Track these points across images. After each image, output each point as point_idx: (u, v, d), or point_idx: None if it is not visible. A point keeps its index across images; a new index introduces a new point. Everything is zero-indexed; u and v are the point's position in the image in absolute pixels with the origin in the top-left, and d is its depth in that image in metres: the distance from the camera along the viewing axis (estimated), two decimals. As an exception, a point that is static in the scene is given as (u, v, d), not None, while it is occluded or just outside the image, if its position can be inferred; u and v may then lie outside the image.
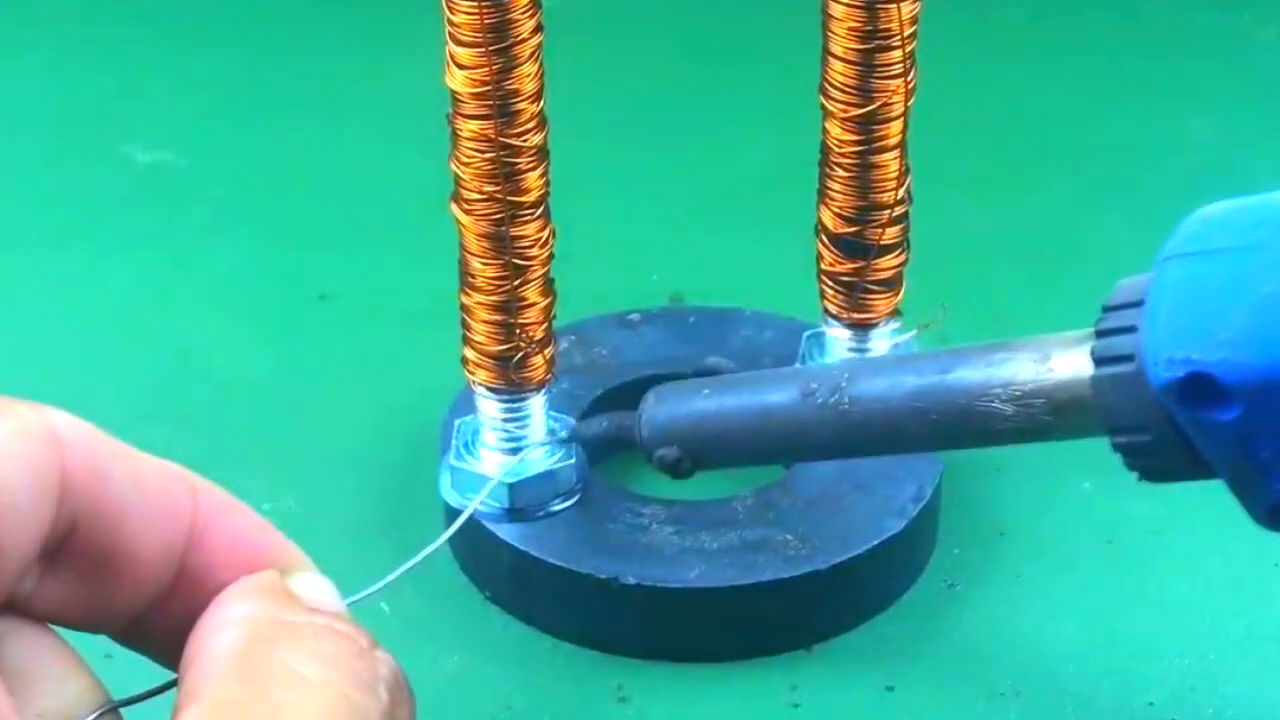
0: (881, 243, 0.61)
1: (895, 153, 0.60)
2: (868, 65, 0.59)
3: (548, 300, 0.59)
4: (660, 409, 0.55)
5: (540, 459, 0.60)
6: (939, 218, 0.80)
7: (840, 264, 0.62)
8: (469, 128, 0.56)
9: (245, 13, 1.00)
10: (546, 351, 0.60)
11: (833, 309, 0.63)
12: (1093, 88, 0.92)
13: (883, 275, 0.62)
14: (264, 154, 0.88)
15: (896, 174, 0.60)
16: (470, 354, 0.60)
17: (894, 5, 0.57)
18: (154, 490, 0.40)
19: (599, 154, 0.84)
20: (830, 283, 0.63)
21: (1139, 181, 0.84)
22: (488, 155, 0.56)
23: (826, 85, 0.60)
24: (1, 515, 0.36)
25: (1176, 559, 0.62)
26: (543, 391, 0.60)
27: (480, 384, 0.60)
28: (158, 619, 0.40)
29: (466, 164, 0.56)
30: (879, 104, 0.59)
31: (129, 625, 0.41)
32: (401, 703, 0.39)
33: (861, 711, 0.57)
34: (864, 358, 0.63)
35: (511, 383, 0.60)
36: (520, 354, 0.59)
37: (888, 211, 0.61)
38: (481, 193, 0.56)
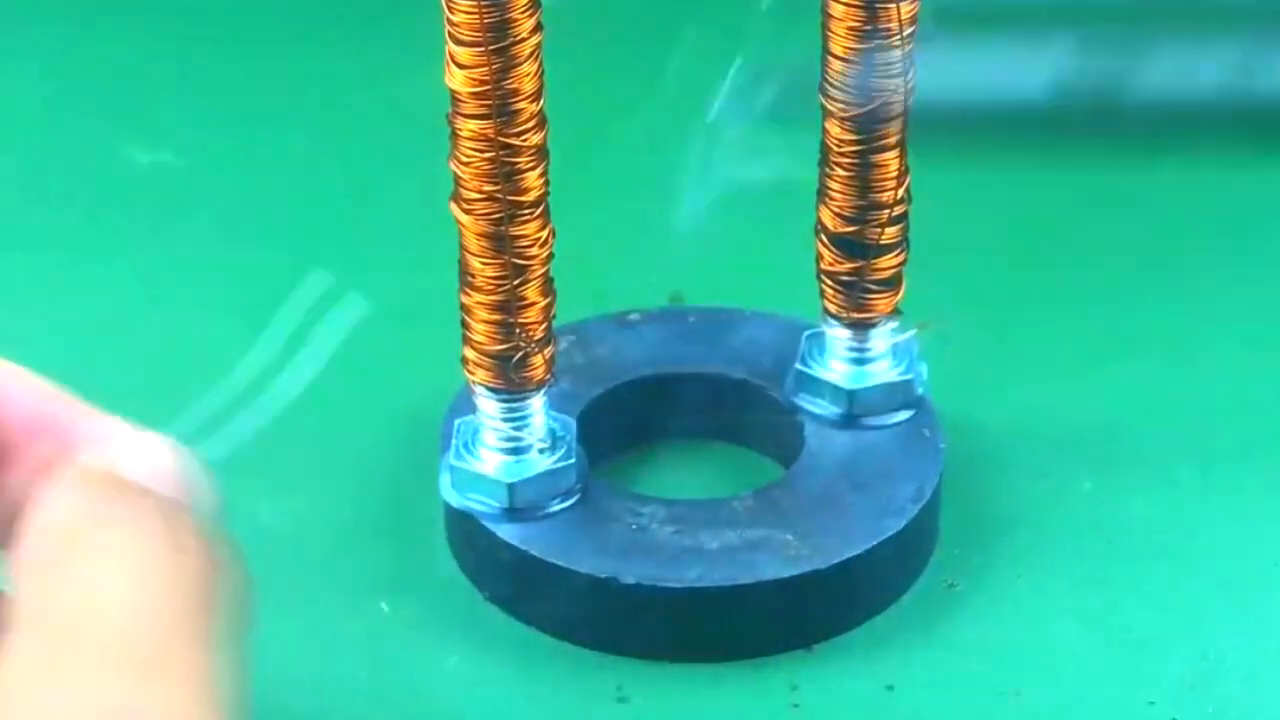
0: (881, 242, 0.61)
1: (895, 152, 0.60)
2: (868, 65, 0.59)
3: (547, 300, 0.59)
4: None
5: (539, 459, 0.60)
6: (939, 218, 0.80)
7: (840, 264, 0.62)
8: (469, 127, 0.56)
9: (245, 13, 1.00)
10: (546, 351, 0.60)
11: (832, 308, 0.63)
12: (1093, 88, 0.92)
13: (883, 274, 0.62)
14: (264, 154, 0.88)
15: (896, 174, 0.60)
16: (470, 354, 0.60)
17: (894, 5, 0.57)
18: None
19: (599, 154, 0.84)
20: (830, 282, 0.63)
21: (1138, 181, 0.84)
22: (487, 155, 0.56)
23: (826, 85, 0.60)
24: None
25: (1177, 558, 0.62)
26: (542, 391, 0.60)
27: (480, 384, 0.60)
28: None
29: (466, 164, 0.56)
30: (879, 104, 0.59)
31: None
32: (206, 557, 0.38)
33: (861, 711, 0.57)
34: None
35: (511, 383, 0.60)
36: (520, 354, 0.59)
37: (887, 211, 0.61)
38: (481, 192, 0.56)
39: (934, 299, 0.64)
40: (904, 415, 0.64)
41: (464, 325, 0.60)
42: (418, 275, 0.72)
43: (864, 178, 0.61)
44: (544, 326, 0.59)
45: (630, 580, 0.58)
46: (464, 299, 0.59)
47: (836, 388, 0.64)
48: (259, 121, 0.90)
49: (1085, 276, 0.77)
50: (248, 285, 0.78)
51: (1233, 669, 0.58)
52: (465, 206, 0.57)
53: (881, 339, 0.63)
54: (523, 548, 0.59)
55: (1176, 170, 0.83)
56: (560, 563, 0.59)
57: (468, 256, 0.58)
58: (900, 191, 0.61)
